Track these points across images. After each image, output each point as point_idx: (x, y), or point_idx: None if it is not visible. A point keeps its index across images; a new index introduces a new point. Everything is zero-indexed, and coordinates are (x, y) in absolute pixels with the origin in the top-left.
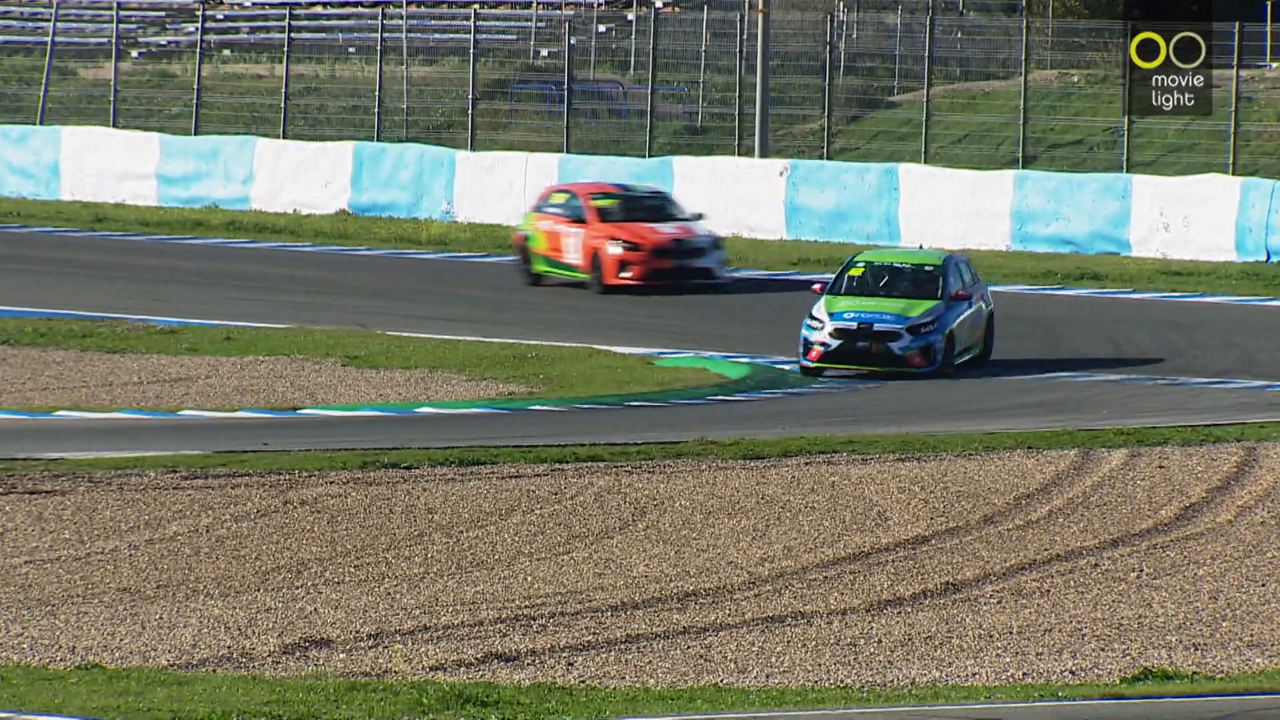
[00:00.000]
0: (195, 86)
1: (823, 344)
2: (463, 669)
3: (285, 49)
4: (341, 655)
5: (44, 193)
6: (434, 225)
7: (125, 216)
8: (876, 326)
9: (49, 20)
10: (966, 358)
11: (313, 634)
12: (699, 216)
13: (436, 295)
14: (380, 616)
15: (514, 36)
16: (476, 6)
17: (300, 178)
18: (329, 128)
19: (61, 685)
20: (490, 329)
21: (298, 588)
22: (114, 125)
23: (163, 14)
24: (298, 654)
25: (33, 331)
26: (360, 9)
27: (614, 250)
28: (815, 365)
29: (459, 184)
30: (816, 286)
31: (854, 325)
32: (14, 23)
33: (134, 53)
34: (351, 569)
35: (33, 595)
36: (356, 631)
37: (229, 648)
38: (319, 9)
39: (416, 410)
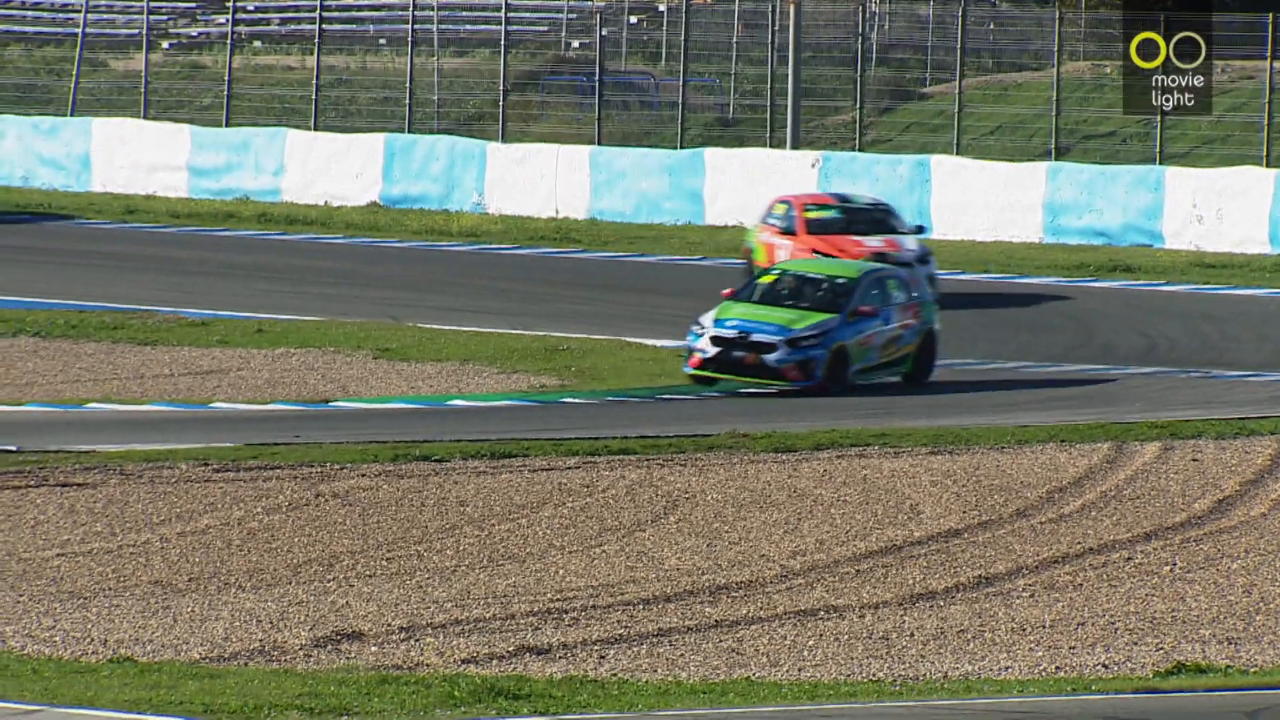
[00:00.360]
0: (226, 78)
1: (701, 351)
2: (495, 662)
3: (316, 40)
4: (373, 648)
5: (75, 184)
6: (465, 217)
7: (156, 208)
8: (754, 336)
9: (80, 11)
10: (887, 377)
11: (344, 627)
12: (919, 230)
13: (468, 288)
14: (412, 609)
15: (545, 28)
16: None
17: (331, 170)
18: (360, 119)
19: (93, 678)
20: (522, 321)
21: (329, 581)
22: (145, 117)
23: (193, 5)
24: (329, 647)
25: (64, 324)
26: (391, 0)
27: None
28: (694, 373)
29: (490, 176)
30: (726, 291)
31: (732, 334)
32: (45, 14)
33: (165, 44)
34: (383, 562)
35: (64, 588)
36: (388, 624)
37: (261, 641)
38: (350, 0)
39: (448, 403)
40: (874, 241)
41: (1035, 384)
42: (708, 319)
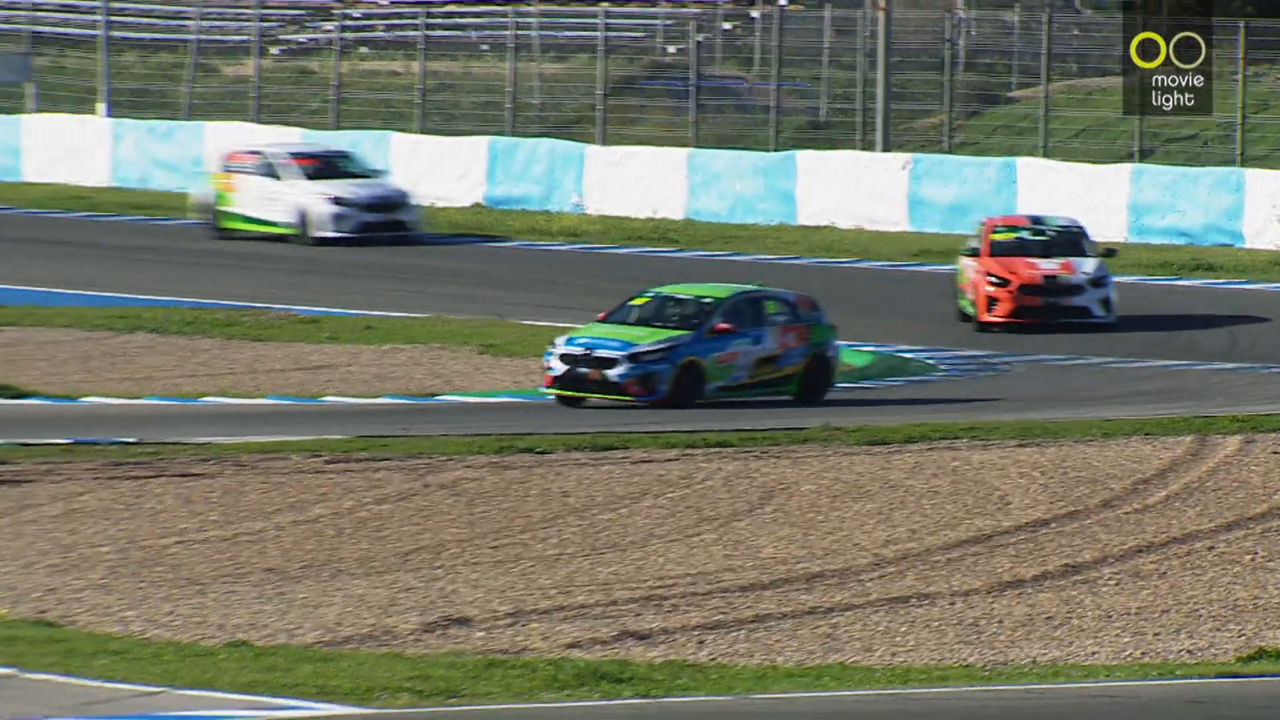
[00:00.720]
0: (334, 83)
1: (551, 369)
2: (597, 647)
3: (421, 46)
4: (480, 633)
5: (186, 185)
6: (565, 217)
7: None
8: (597, 353)
9: (193, 19)
10: (770, 397)
11: (452, 613)
12: (1110, 253)
13: (568, 286)
14: (517, 596)
15: (642, 34)
16: (606, 4)
17: (436, 172)
18: (463, 123)
19: (212, 661)
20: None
21: (437, 568)
22: (256, 120)
23: (302, 13)
24: (438, 632)
25: (180, 320)
26: (494, 7)
27: (986, 287)
28: (549, 391)
29: (589, 177)
30: (600, 315)
31: (579, 351)
32: (159, 21)
33: (275, 50)
34: (489, 550)
35: (182, 575)
36: (494, 610)
37: (372, 626)
38: (453, 7)
39: (549, 397)
40: (1048, 264)
41: (1120, 379)
42: (562, 339)
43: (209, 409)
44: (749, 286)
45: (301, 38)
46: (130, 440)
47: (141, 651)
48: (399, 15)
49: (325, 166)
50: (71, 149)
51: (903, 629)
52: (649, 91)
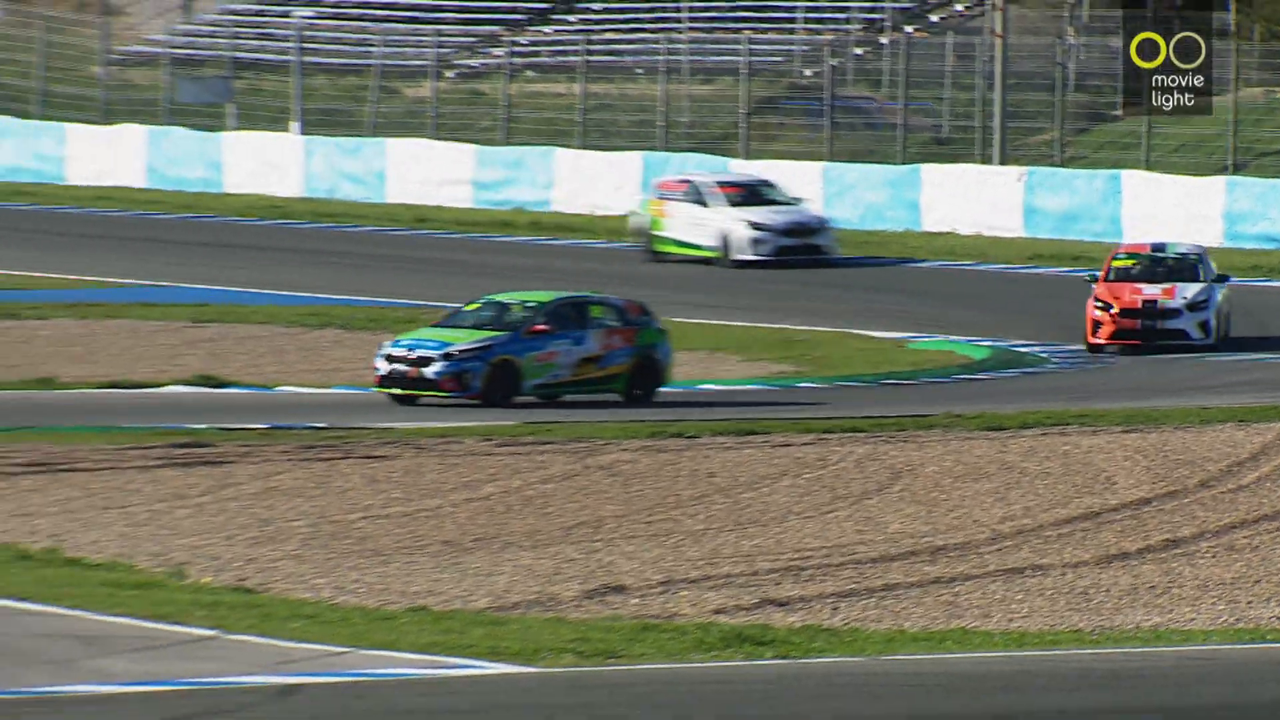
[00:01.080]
0: (503, 103)
1: (379, 369)
2: (741, 612)
3: (582, 70)
4: (635, 600)
5: (373, 196)
6: None
7: (444, 217)
8: (416, 352)
9: (377, 46)
10: (597, 395)
11: (610, 581)
12: (1222, 279)
13: (715, 287)
14: (669, 566)
15: (781, 58)
16: (750, 32)
17: (595, 183)
18: (619, 139)
19: (394, 624)
20: (763, 315)
21: (596, 541)
22: (433, 137)
23: (475, 40)
24: (597, 599)
25: (364, 318)
26: (647, 34)
27: (1094, 311)
28: (378, 390)
29: None
30: (437, 320)
31: (401, 351)
32: (347, 47)
33: (450, 74)
34: (643, 525)
35: (368, 546)
36: (648, 579)
37: (537, 593)
38: (611, 34)
39: (699, 386)
40: (1151, 290)
41: (1217, 371)
42: (390, 340)
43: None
44: (575, 293)
45: (474, 62)
46: (321, 425)
47: (331, 615)
48: (562, 42)
49: (749, 194)
50: (268, 163)
51: (1018, 597)
52: (787, 110)
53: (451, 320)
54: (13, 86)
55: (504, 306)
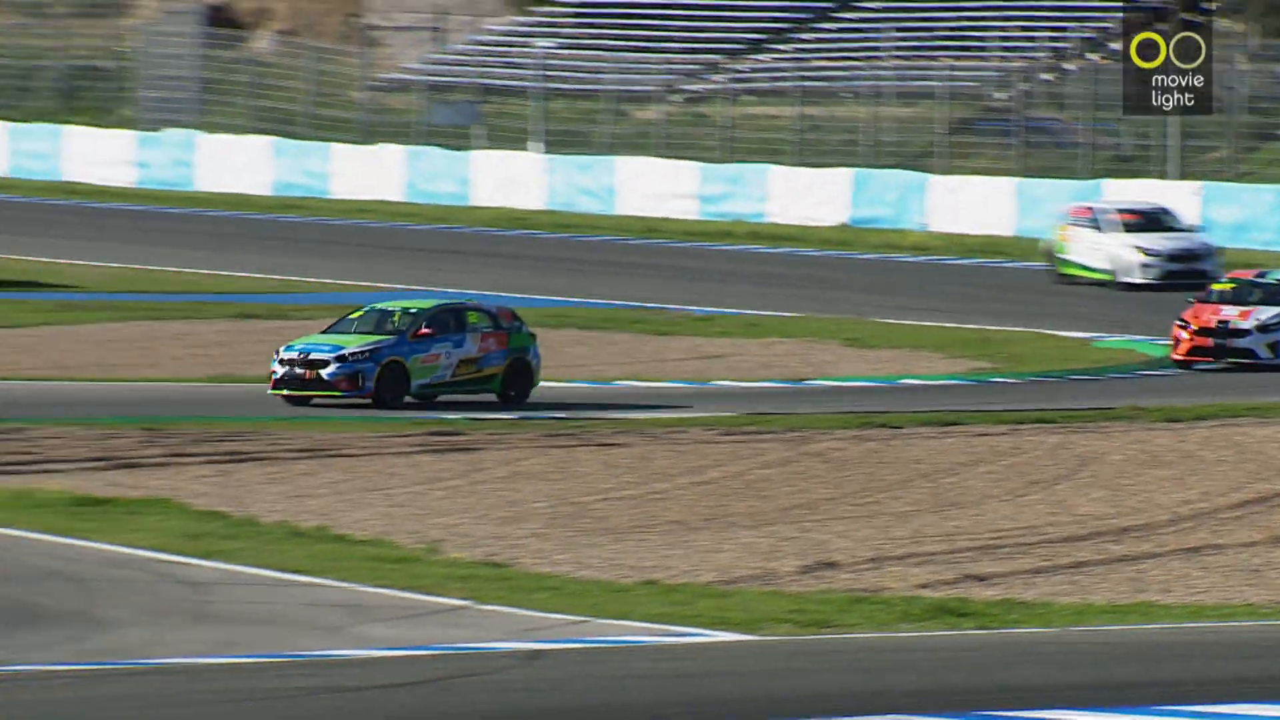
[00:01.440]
0: (724, 125)
1: (274, 373)
2: (943, 586)
3: (795, 95)
4: (846, 575)
5: (605, 209)
6: (913, 235)
7: (670, 228)
8: (311, 355)
9: (609, 72)
10: (477, 394)
11: (824, 558)
12: None
13: (916, 291)
14: (877, 545)
15: (976, 83)
16: (948, 59)
17: (807, 197)
18: (829, 157)
19: (628, 596)
20: (959, 317)
21: (810, 522)
22: (660, 156)
23: (699, 67)
24: (812, 574)
25: (600, 318)
26: (854, 61)
27: (1177, 330)
28: (273, 393)
29: (931, 202)
30: (324, 327)
31: (295, 355)
32: (582, 74)
33: (676, 97)
34: (853, 507)
35: (604, 525)
36: (858, 556)
37: (757, 569)
38: (821, 62)
39: (901, 381)
40: (1229, 311)
41: None
42: (283, 346)
43: (623, 391)
44: (455, 301)
45: (698, 88)
46: (561, 416)
47: (572, 588)
48: (777, 69)
49: (1145, 221)
50: (511, 179)
51: (1196, 574)
52: (981, 130)
53: (337, 327)
54: (284, 110)
55: (386, 314)
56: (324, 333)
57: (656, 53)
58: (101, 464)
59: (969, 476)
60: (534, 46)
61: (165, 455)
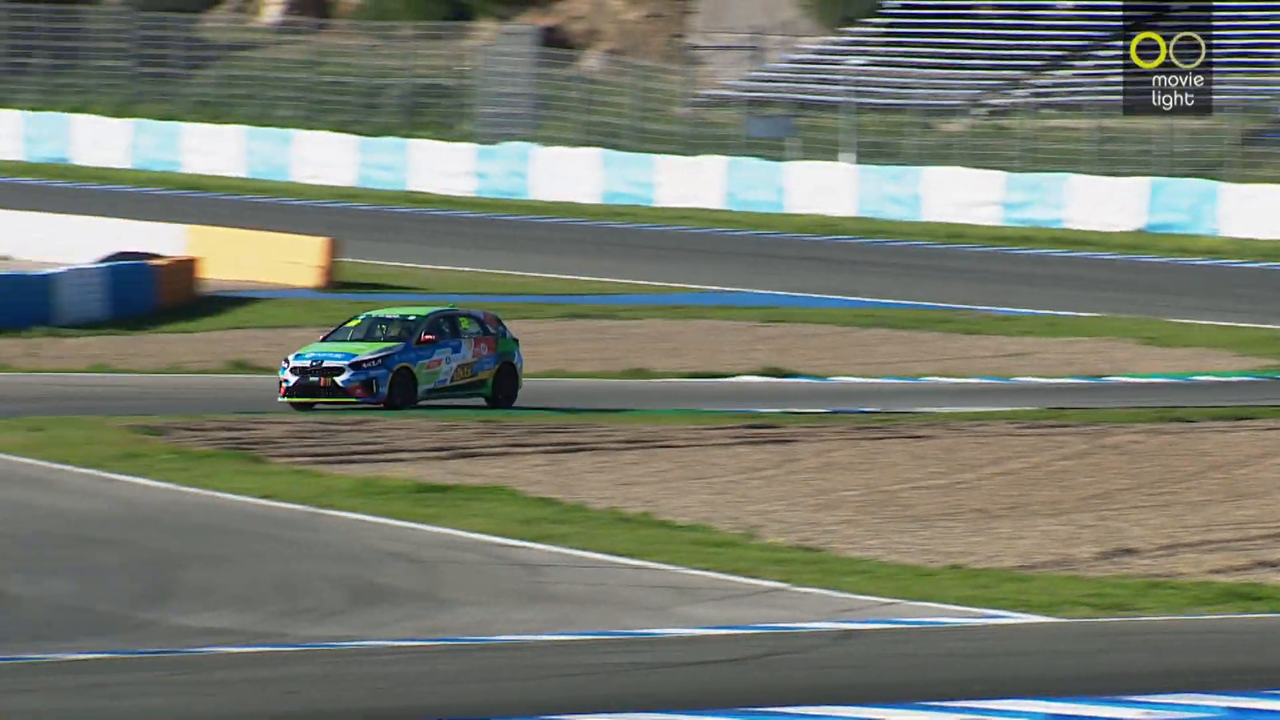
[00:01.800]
0: (1025, 136)
1: (284, 381)
2: (1235, 572)
3: (1093, 108)
4: (1142, 561)
5: (911, 215)
6: (1204, 240)
7: (974, 234)
8: (325, 363)
9: (916, 88)
10: (471, 398)
11: (1121, 545)
12: None
13: (1209, 292)
14: (1171, 533)
15: (1267, 97)
16: (1242, 78)
17: (1105, 204)
18: (1125, 166)
19: (934, 580)
20: (1252, 317)
21: (1108, 510)
22: (964, 165)
23: (1001, 82)
24: (1109, 560)
25: (909, 318)
26: (1142, 77)
27: None
28: (284, 400)
29: (1222, 209)
30: (322, 336)
31: (308, 363)
32: (891, 89)
33: (979, 111)
34: (1148, 497)
35: (910, 513)
36: (1153, 544)
37: (1057, 555)
38: (1116, 77)
39: (1195, 378)
40: None
41: None
42: (292, 355)
43: (931, 386)
44: (444, 307)
45: (1000, 101)
46: (871, 410)
47: (881, 571)
48: (1078, 83)
49: None
50: (823, 188)
51: None
52: (1270, 141)
53: (337, 335)
54: (612, 125)
55: (386, 321)
56: (325, 340)
57: (961, 69)
58: (443, 454)
59: (1260, 468)
60: (846, 64)
61: (502, 445)
